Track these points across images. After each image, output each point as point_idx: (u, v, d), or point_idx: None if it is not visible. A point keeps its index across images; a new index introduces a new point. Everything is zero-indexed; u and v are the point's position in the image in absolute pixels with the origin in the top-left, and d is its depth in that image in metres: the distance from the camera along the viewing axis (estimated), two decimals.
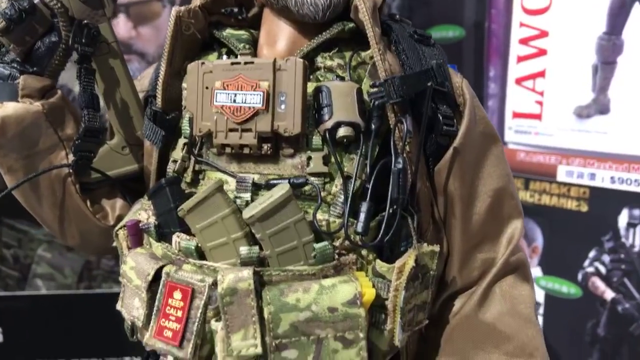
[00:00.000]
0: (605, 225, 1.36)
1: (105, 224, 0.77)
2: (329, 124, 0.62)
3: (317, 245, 0.60)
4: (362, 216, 0.60)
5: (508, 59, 1.42)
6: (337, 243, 0.61)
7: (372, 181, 0.61)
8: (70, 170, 0.74)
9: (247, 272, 0.58)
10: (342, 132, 0.62)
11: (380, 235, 0.60)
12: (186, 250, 0.62)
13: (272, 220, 0.58)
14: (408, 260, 0.61)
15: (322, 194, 0.62)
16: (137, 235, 0.69)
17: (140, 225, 0.67)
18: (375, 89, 0.63)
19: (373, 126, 0.63)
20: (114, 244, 0.73)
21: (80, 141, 0.71)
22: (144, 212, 0.69)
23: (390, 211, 0.61)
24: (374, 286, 0.61)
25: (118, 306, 0.68)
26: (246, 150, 0.63)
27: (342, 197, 0.62)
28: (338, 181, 0.63)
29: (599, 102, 1.31)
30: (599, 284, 1.40)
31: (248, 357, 0.58)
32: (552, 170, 1.42)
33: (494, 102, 1.47)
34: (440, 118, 0.66)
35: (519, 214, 0.73)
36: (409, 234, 0.63)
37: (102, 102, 0.75)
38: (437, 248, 0.65)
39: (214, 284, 0.59)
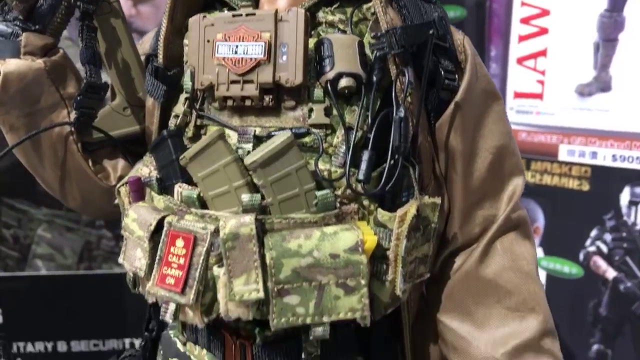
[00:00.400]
0: (607, 204, 1.36)
1: (106, 184, 0.77)
2: (330, 75, 0.62)
3: (318, 193, 0.60)
4: (363, 164, 0.60)
5: (509, 39, 1.42)
6: (338, 192, 0.61)
7: (373, 131, 0.61)
8: (72, 129, 0.74)
9: (249, 218, 0.58)
10: (343, 82, 0.62)
11: (382, 183, 0.60)
12: (188, 199, 0.62)
13: (273, 167, 0.59)
14: (410, 209, 0.61)
15: (324, 145, 0.62)
16: (138, 191, 0.70)
17: (142, 179, 0.67)
18: (376, 40, 0.63)
19: (374, 78, 0.63)
20: (116, 201, 0.73)
21: (82, 97, 0.71)
22: (145, 168, 0.70)
23: (392, 161, 0.61)
24: (375, 235, 0.61)
25: (120, 259, 0.68)
26: (248, 103, 0.63)
27: (344, 147, 0.62)
28: (339, 132, 0.63)
29: (600, 80, 1.31)
30: (601, 263, 1.40)
31: (250, 301, 0.58)
32: (553, 149, 1.42)
33: (495, 82, 1.47)
34: (442, 72, 0.66)
35: (520, 172, 0.73)
36: (410, 185, 0.63)
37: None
38: (438, 200, 0.65)
39: (216, 231, 0.59)
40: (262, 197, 0.60)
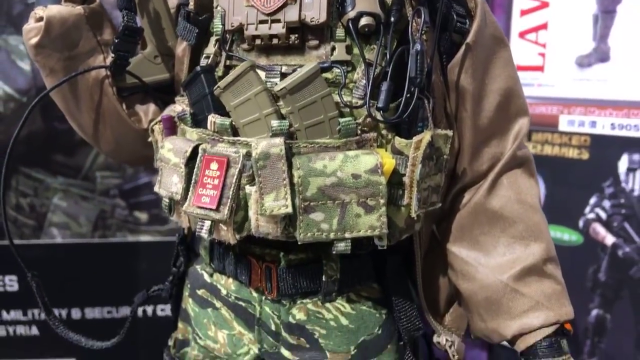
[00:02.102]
0: (606, 172, 1.41)
1: (139, 127, 0.83)
2: (351, 14, 0.67)
3: (341, 120, 0.65)
4: (382, 94, 0.65)
5: (512, 13, 1.48)
6: (359, 120, 0.66)
7: (391, 64, 0.66)
8: (108, 72, 0.79)
9: (278, 140, 0.63)
10: (363, 21, 0.67)
11: (399, 111, 0.65)
12: (221, 127, 0.67)
13: (301, 94, 0.64)
14: (424, 136, 0.66)
15: (345, 81, 0.68)
16: (171, 128, 0.75)
17: (175, 116, 0.73)
18: None
19: (392, 19, 0.68)
20: (150, 139, 0.79)
21: (119, 40, 0.76)
22: (178, 106, 0.75)
23: (409, 93, 0.66)
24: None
25: (156, 188, 0.73)
26: (275, 42, 0.69)
27: (364, 81, 0.67)
28: (359, 69, 0.68)
29: (599, 51, 1.36)
30: (600, 230, 1.45)
31: (279, 216, 0.64)
32: (554, 120, 1.47)
33: None
34: (454, 15, 0.71)
35: (525, 113, 0.78)
36: (425, 117, 0.69)
37: None
38: (450, 132, 0.70)
39: (248, 155, 0.65)
40: (290, 125, 0.66)
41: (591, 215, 1.46)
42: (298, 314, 0.75)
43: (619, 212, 1.42)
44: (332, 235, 0.64)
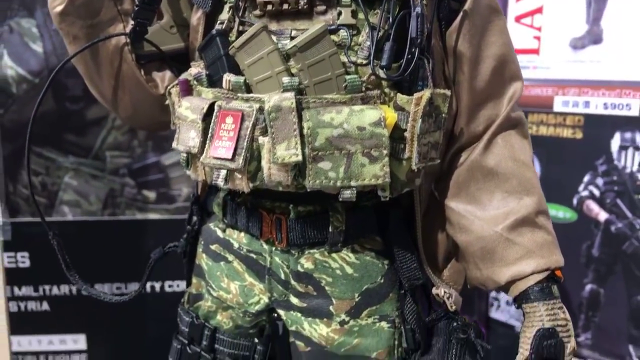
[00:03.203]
0: (599, 150, 1.46)
1: (156, 92, 0.88)
2: None
3: (347, 77, 0.70)
4: (385, 53, 0.70)
5: None
6: (364, 78, 0.72)
7: (394, 27, 0.72)
8: (128, 40, 0.84)
9: (289, 94, 0.69)
10: None
11: (401, 69, 0.71)
12: (236, 85, 0.72)
13: (310, 52, 0.69)
14: (424, 93, 0.71)
15: (351, 43, 0.73)
16: (187, 90, 0.80)
17: (193, 76, 0.78)
18: None
19: None
20: (166, 102, 0.84)
21: (139, 8, 0.81)
22: (193, 69, 0.80)
23: (409, 55, 0.71)
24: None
25: (174, 145, 0.78)
26: (285, 7, 0.74)
27: (368, 42, 0.72)
28: (364, 32, 0.73)
29: (592, 33, 1.42)
30: (593, 207, 1.50)
31: (290, 165, 0.69)
32: (548, 101, 1.53)
33: None
34: None
35: (518, 78, 0.83)
36: (425, 76, 0.74)
37: None
38: (448, 92, 0.75)
39: (260, 109, 0.70)
40: (299, 82, 0.71)
41: (585, 193, 1.51)
42: (306, 263, 0.80)
43: (611, 189, 1.46)
44: (338, 183, 0.70)
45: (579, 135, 1.49)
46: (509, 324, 1.67)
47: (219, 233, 0.87)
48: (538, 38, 1.51)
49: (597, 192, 1.49)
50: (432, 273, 0.85)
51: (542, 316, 0.74)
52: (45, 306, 1.56)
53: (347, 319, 0.81)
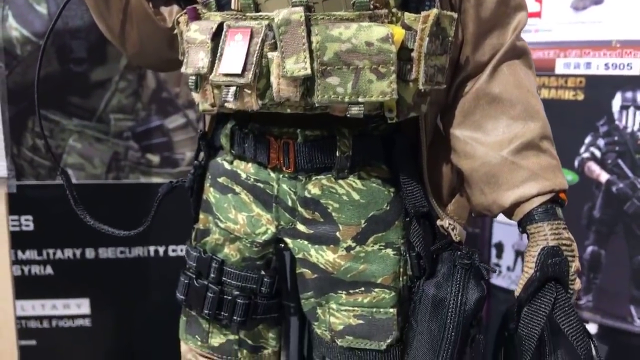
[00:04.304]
0: (600, 111, 1.47)
1: (164, 26, 0.89)
2: None
3: None
4: None
5: None
6: None
7: None
8: None
9: (298, 8, 0.69)
10: None
11: None
12: (244, 4, 0.73)
13: None
14: (432, 12, 0.72)
15: None
16: (195, 18, 0.81)
17: (201, 1, 0.79)
18: None
19: None
20: (175, 31, 0.85)
21: None
22: None
23: None
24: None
25: (182, 69, 0.79)
26: None
27: None
28: None
29: None
30: (594, 168, 1.51)
31: (299, 79, 0.69)
32: (550, 64, 1.53)
33: None
34: None
35: (523, 8, 0.85)
36: None
37: None
38: (455, 15, 0.76)
39: (269, 26, 0.71)
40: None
41: (586, 154, 1.52)
42: (313, 189, 0.81)
43: (612, 149, 1.47)
44: (346, 99, 0.70)
45: (580, 96, 1.50)
46: (510, 290, 1.68)
47: (227, 165, 0.88)
48: (540, 1, 1.52)
49: (598, 153, 1.50)
50: (436, 205, 0.86)
51: (546, 235, 0.75)
52: (49, 270, 1.56)
53: (353, 244, 0.81)
